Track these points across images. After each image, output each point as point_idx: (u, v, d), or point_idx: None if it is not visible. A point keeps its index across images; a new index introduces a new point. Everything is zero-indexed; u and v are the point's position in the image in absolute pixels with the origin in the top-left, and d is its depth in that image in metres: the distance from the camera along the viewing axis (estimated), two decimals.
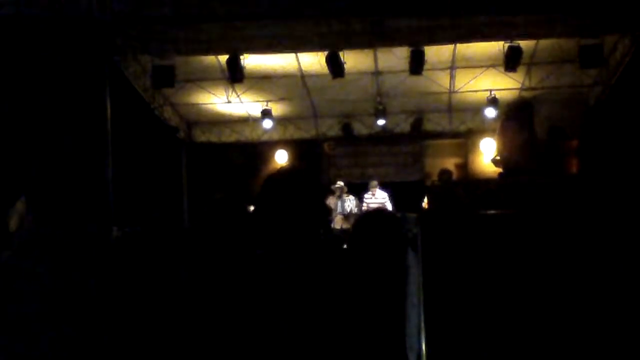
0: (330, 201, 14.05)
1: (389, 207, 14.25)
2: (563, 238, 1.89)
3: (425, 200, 12.96)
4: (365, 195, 14.63)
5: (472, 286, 1.84)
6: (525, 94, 14.76)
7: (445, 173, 12.92)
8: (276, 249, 2.53)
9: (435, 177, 14.32)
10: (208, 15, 11.18)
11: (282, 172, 2.77)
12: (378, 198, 14.48)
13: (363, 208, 14.18)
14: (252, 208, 2.86)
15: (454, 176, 13.94)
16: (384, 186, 15.12)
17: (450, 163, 16.21)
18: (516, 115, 2.44)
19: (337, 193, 14.36)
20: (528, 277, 1.87)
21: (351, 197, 14.61)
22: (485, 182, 2.20)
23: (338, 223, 14.15)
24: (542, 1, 10.85)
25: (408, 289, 1.98)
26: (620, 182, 1.98)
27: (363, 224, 3.29)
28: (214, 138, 18.13)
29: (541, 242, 1.90)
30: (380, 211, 4.58)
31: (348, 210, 14.39)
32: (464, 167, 17.24)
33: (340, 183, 14.59)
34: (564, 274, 1.86)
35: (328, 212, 12.37)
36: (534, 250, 1.88)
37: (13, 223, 3.37)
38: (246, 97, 15.92)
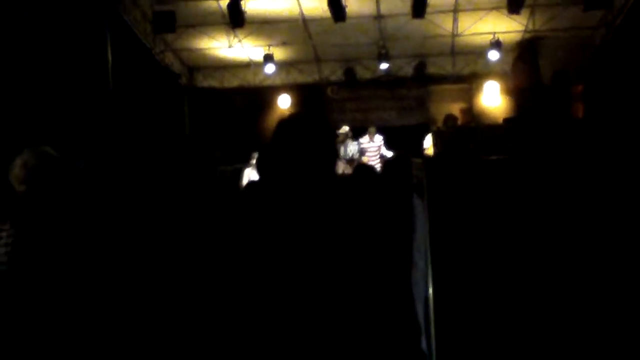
0: None
1: (384, 150, 14.28)
2: (567, 182, 1.90)
3: (425, 143, 12.97)
4: (362, 140, 14.60)
5: (478, 231, 1.85)
6: (529, 36, 14.62)
7: (450, 119, 12.87)
8: (288, 192, 2.54)
9: (440, 123, 14.28)
10: None
11: (294, 117, 2.76)
12: (375, 142, 14.49)
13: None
14: (256, 154, 2.86)
15: (459, 122, 13.89)
16: (387, 130, 15.12)
17: (455, 108, 16.11)
18: (525, 58, 2.44)
19: (342, 138, 14.37)
20: (534, 221, 1.89)
21: (354, 142, 14.62)
22: (490, 128, 2.21)
23: (340, 168, 14.16)
24: None
25: (414, 236, 1.99)
26: (625, 126, 1.98)
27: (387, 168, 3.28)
28: (216, 83, 18.04)
29: (545, 186, 1.91)
30: (401, 156, 4.50)
31: (350, 155, 14.42)
32: (469, 111, 17.17)
33: (345, 128, 14.60)
34: (569, 216, 1.88)
35: (337, 156, 12.46)
36: (538, 194, 1.89)
37: (15, 180, 3.37)
38: (248, 42, 15.81)
